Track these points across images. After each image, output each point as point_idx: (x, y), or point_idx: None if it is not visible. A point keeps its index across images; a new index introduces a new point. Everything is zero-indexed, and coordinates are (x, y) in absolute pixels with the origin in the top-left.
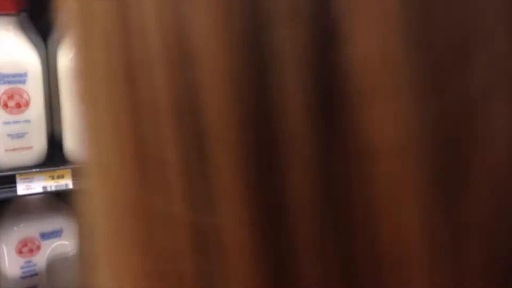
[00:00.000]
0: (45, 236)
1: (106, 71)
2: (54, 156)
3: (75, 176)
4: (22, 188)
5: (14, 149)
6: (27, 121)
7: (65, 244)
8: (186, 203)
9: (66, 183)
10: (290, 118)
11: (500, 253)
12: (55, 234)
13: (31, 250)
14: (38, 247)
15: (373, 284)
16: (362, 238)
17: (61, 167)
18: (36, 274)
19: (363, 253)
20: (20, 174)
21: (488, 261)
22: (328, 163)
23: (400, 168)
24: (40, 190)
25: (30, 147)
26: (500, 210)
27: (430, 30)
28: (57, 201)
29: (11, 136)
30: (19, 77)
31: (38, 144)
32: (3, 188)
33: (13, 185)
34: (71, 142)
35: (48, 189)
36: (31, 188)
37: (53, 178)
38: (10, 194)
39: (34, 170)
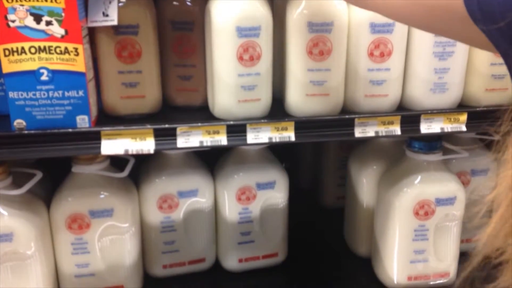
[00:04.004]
0: (260, 186)
1: None
2: (275, 109)
3: (298, 129)
4: (251, 138)
5: (245, 100)
6: (258, 74)
7: (277, 196)
8: None
9: (289, 135)
10: None
11: None
12: (269, 185)
13: (248, 198)
14: (254, 196)
15: None
16: None
17: (286, 119)
18: (251, 221)
19: None
20: (250, 124)
21: None
22: None
23: None
24: (266, 140)
25: (258, 99)
26: None
27: None
28: (271, 154)
29: (244, 87)
30: (254, 31)
31: (265, 97)
32: (234, 136)
33: (243, 134)
34: (293, 97)
35: (273, 140)
36: (258, 138)
37: (277, 129)
38: (240, 142)
39: (262, 121)
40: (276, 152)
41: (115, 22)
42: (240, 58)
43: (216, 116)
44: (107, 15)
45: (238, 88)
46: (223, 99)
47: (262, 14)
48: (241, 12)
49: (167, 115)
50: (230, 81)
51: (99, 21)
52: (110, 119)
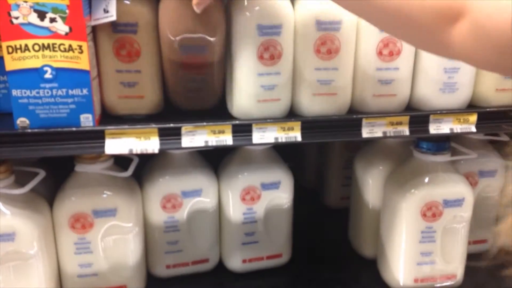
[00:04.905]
0: (265, 186)
1: None
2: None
3: (304, 129)
4: (257, 138)
5: (265, 100)
6: (278, 73)
7: (281, 196)
8: None
9: (296, 135)
10: None
11: None
12: (274, 185)
13: (252, 198)
14: (259, 196)
15: None
16: None
17: (292, 119)
18: (255, 221)
19: None
20: (256, 123)
21: None
22: None
23: None
24: (272, 140)
25: (278, 99)
26: None
27: None
28: (275, 153)
29: (264, 87)
30: (275, 29)
31: (285, 97)
32: (239, 136)
33: (249, 133)
34: (300, 96)
35: (279, 140)
36: (264, 138)
37: (284, 129)
38: (245, 142)
39: (268, 120)
40: (281, 152)
41: (114, 18)
42: (261, 57)
43: (234, 116)
44: (107, 11)
45: (258, 88)
46: (242, 99)
47: (284, 12)
48: (262, 10)
49: (167, 116)
50: (249, 81)
51: (100, 18)
52: (111, 118)
